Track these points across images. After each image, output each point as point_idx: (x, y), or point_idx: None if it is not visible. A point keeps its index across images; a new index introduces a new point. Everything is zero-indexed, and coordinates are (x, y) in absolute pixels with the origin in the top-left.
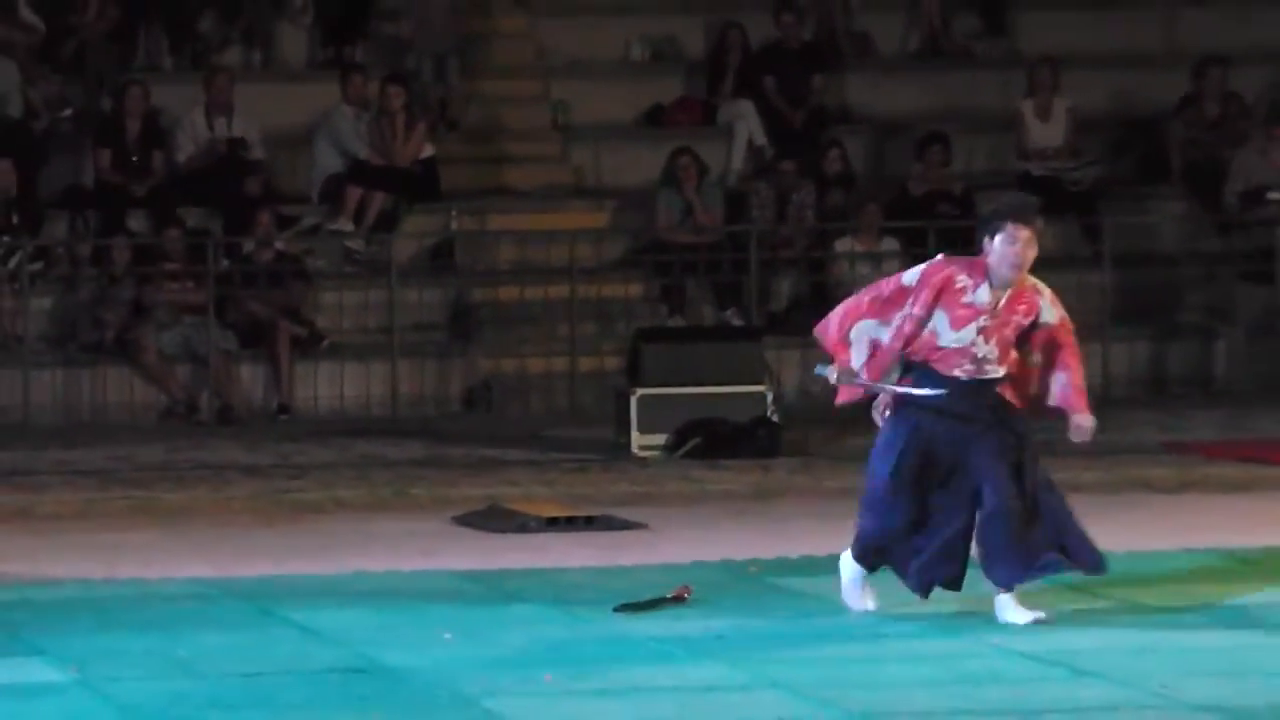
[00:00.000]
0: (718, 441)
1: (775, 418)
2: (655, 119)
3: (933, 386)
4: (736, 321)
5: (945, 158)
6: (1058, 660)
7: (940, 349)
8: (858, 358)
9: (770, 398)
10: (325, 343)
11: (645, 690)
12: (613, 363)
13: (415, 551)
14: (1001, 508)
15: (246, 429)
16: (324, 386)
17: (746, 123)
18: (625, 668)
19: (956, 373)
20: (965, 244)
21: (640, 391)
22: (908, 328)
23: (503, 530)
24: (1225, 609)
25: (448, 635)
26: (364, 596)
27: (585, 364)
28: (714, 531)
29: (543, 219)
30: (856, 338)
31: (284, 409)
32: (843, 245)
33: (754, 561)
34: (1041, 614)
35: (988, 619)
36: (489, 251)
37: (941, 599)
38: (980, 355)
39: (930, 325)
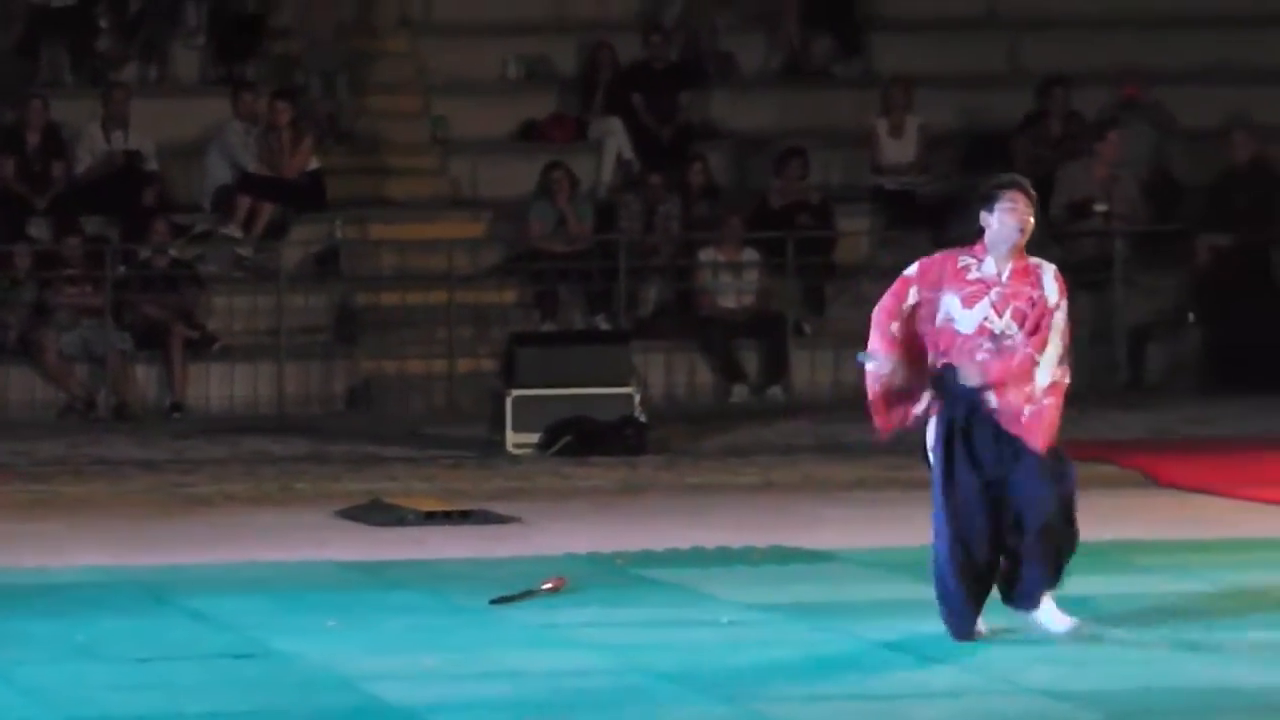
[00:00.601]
0: (587, 440)
1: (642, 417)
2: (529, 134)
3: (962, 385)
4: (605, 326)
5: (803, 172)
6: (908, 648)
7: (959, 335)
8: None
9: (637, 398)
10: (216, 345)
11: (519, 675)
12: (488, 365)
13: (301, 543)
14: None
15: (142, 426)
16: (215, 386)
17: (616, 138)
18: (500, 654)
19: (980, 357)
20: (823, 253)
21: (514, 392)
22: (920, 310)
23: (383, 523)
24: (1066, 599)
25: (332, 622)
26: (253, 585)
27: (462, 366)
28: (583, 525)
29: (423, 228)
30: (876, 322)
31: (177, 407)
32: (706, 255)
33: (620, 554)
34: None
35: (843, 608)
36: (372, 259)
37: (800, 590)
38: (998, 331)
39: (945, 313)
